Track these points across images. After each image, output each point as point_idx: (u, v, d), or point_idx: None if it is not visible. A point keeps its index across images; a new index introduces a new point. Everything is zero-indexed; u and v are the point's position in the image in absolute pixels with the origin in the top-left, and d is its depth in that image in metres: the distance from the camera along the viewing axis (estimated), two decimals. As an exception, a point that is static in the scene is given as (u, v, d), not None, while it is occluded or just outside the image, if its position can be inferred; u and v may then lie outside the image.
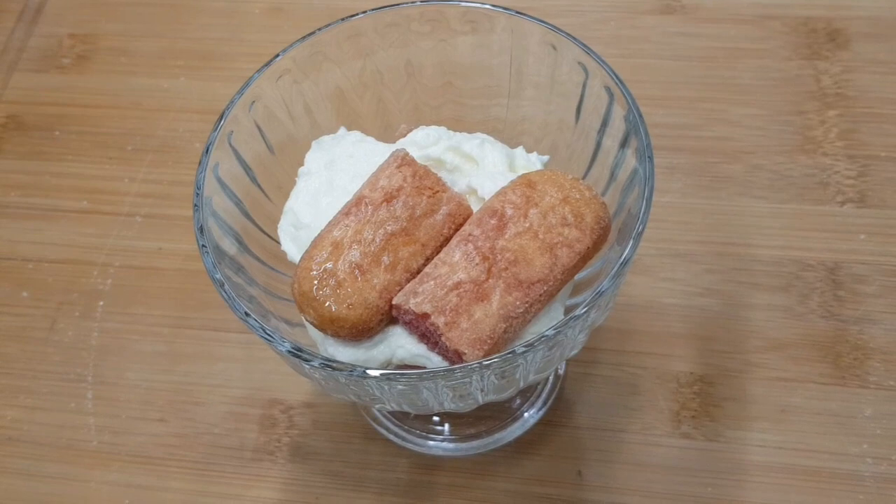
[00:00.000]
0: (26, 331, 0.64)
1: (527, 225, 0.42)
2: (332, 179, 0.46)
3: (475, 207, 0.44)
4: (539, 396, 0.58)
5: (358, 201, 0.43)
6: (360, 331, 0.41)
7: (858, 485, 0.53)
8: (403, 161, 0.44)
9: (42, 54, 0.79)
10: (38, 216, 0.69)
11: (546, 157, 0.49)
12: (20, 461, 0.58)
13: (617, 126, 0.45)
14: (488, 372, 0.38)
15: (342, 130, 0.50)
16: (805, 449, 0.54)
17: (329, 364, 0.38)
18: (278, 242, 0.47)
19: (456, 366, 0.38)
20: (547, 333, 0.38)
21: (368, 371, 0.37)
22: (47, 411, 0.60)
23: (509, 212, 0.42)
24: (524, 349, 0.37)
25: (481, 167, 0.46)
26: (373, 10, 0.49)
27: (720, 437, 0.55)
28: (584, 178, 0.49)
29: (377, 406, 0.44)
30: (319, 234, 0.43)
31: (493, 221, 0.42)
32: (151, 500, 0.56)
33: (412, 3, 0.49)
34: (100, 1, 0.82)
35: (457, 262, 0.41)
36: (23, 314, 0.65)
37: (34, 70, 0.78)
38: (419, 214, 0.42)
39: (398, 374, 0.38)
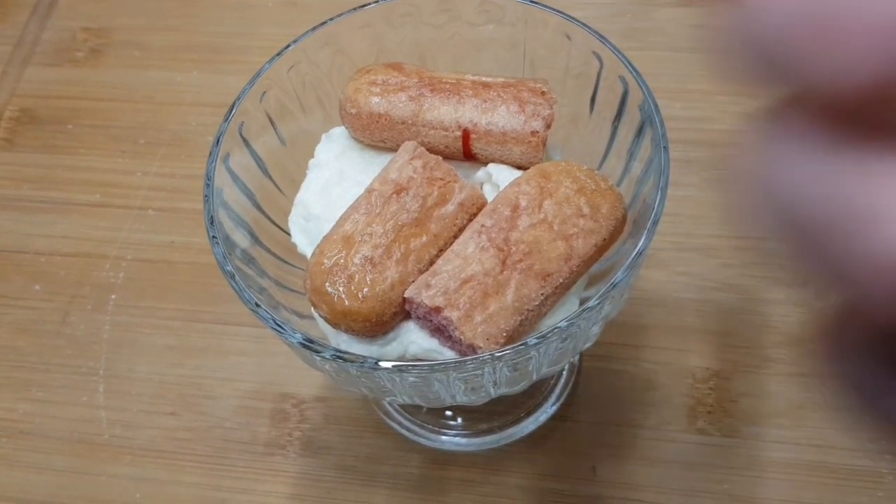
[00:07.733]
0: (38, 324, 0.64)
1: (541, 216, 0.41)
2: (342, 170, 0.46)
3: (489, 198, 0.44)
4: (553, 392, 0.57)
5: (368, 195, 0.42)
6: (374, 324, 0.40)
7: (878, 482, 0.52)
8: (414, 153, 0.43)
9: (55, 48, 0.79)
10: (51, 209, 0.69)
11: (560, 148, 0.48)
12: (31, 454, 0.58)
13: (632, 116, 0.45)
14: (500, 364, 0.37)
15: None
16: (823, 445, 0.54)
17: (340, 355, 0.38)
18: (290, 235, 0.47)
19: (468, 357, 0.37)
20: (560, 325, 0.37)
21: (380, 362, 0.37)
22: (59, 404, 0.60)
23: (523, 203, 0.41)
24: (537, 341, 0.37)
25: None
26: (385, -1, 0.49)
27: (736, 433, 0.55)
28: (598, 169, 0.48)
29: (389, 399, 0.44)
30: (330, 231, 0.42)
31: (506, 212, 0.41)
32: (162, 493, 0.56)
33: (425, -8, 0.49)
34: (113, -5, 0.82)
35: (470, 254, 0.40)
36: (35, 307, 0.64)
37: (47, 64, 0.78)
38: (430, 205, 0.42)
39: (410, 365, 0.37)
